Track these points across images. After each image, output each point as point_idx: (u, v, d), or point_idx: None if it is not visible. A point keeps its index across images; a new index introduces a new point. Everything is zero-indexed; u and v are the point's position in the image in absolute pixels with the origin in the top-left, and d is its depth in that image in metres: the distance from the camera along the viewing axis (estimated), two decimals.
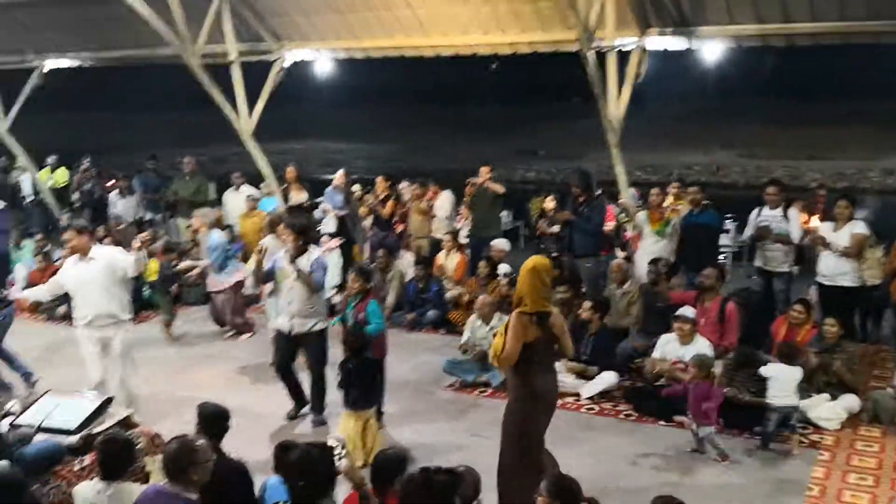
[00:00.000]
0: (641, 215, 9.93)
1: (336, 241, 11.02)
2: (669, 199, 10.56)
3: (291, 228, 7.60)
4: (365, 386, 6.81)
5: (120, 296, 7.35)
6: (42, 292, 7.79)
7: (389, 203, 12.00)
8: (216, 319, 10.51)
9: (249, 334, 10.34)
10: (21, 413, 6.12)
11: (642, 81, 9.99)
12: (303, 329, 7.54)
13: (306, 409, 7.83)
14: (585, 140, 28.87)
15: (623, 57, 9.91)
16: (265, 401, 8.14)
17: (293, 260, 7.45)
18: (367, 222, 12.32)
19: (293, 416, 7.86)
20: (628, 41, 9.69)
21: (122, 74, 24.40)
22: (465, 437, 7.39)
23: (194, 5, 11.82)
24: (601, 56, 9.55)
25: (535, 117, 34.28)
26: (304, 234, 7.60)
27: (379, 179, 12.34)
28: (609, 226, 10.51)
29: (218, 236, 10.42)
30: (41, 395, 6.36)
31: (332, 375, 7.32)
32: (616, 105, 9.57)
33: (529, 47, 10.82)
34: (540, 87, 38.29)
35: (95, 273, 7.21)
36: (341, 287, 11.47)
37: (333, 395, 7.43)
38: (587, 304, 8.60)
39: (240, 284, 10.37)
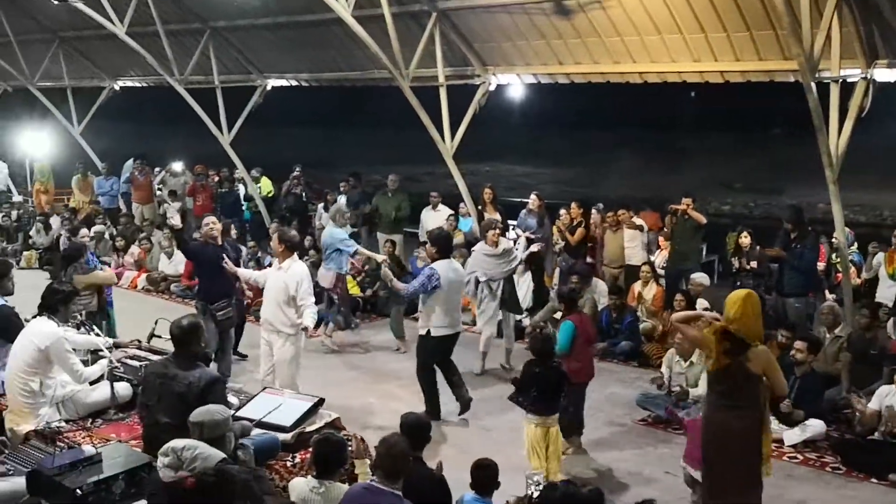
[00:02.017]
0: (880, 256, 9.34)
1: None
2: None
3: (430, 238, 8.50)
4: (547, 392, 6.66)
5: (285, 311, 7.70)
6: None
7: (579, 230, 11.93)
8: None
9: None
10: (240, 407, 6.55)
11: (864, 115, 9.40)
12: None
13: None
14: (786, 174, 27.58)
15: (845, 88, 9.37)
16: (447, 414, 8.31)
17: None
18: (558, 248, 12.31)
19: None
20: (854, 72, 9.15)
21: (322, 93, 25.44)
22: (657, 473, 7.21)
23: (408, 30, 12.38)
24: (822, 87, 9.08)
25: (733, 148, 33.04)
26: (439, 244, 8.29)
27: (573, 205, 12.31)
28: (820, 266, 9.95)
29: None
30: (258, 392, 6.79)
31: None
32: (836, 139, 9.04)
33: (742, 76, 10.48)
34: (739, 117, 36.88)
35: (277, 283, 7.73)
36: (531, 311, 11.55)
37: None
38: (801, 343, 8.11)
39: None
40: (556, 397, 6.69)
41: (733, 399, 5.37)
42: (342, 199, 15.02)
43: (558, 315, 8.65)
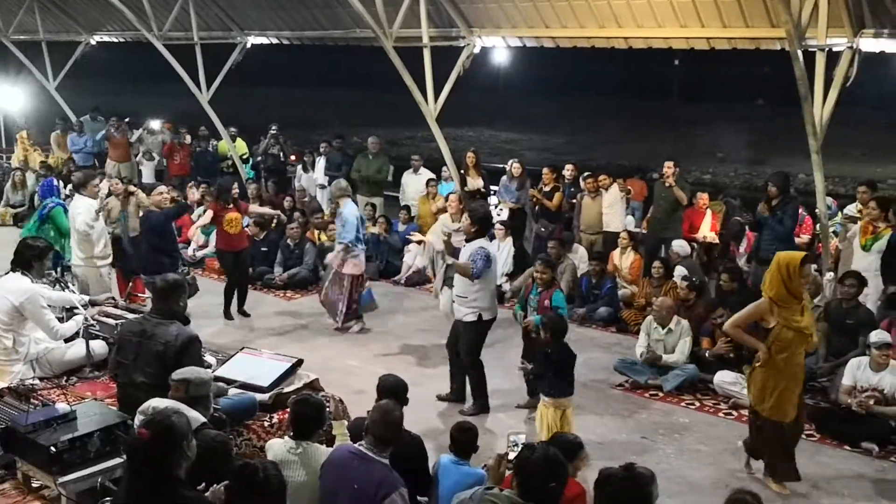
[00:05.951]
0: (855, 227, 9.25)
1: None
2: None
3: (472, 216, 7.63)
4: (563, 373, 6.73)
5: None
6: None
7: (557, 195, 11.88)
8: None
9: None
10: (217, 367, 6.50)
11: (848, 86, 9.35)
12: (457, 316, 7.70)
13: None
14: (769, 145, 27.61)
15: (831, 58, 9.33)
16: (426, 380, 8.27)
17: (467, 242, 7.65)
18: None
19: (441, 398, 7.95)
20: (840, 41, 9.10)
21: (297, 52, 24.44)
22: (635, 438, 7.27)
23: None
24: (808, 56, 9.04)
25: (716, 117, 32.93)
26: (482, 224, 7.69)
27: (545, 171, 12.24)
28: (804, 238, 9.95)
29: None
30: (236, 353, 6.73)
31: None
32: (821, 109, 9.02)
33: (729, 43, 10.39)
34: (721, 86, 36.84)
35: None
36: (512, 275, 11.53)
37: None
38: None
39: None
40: (568, 378, 6.76)
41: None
42: (321, 161, 14.86)
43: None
